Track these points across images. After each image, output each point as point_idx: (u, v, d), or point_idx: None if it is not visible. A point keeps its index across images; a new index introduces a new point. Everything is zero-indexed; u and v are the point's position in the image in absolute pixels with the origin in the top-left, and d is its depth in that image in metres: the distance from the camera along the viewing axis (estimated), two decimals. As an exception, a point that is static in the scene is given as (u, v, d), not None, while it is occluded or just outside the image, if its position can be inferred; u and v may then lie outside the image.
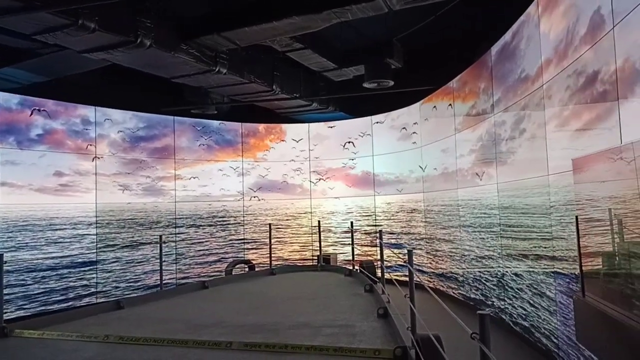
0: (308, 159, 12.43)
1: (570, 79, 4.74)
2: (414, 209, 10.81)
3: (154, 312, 5.67)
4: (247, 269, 10.87)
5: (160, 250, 7.31)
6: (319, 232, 9.02)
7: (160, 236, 7.53)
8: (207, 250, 11.29)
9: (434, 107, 9.89)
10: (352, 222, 8.89)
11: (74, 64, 8.32)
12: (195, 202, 11.26)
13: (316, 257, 10.21)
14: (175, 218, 10.84)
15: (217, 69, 8.12)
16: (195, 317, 5.19)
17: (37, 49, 7.87)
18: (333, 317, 4.93)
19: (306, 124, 12.60)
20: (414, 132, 10.79)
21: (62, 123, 9.32)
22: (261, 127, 12.49)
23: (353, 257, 8.73)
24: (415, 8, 6.34)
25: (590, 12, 4.32)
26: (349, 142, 12.21)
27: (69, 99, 9.41)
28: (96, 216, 9.54)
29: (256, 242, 11.87)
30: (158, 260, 7.38)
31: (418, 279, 3.74)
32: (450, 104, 8.99)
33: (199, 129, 11.51)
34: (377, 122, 11.84)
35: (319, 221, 9.42)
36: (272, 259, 8.92)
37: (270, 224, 9.03)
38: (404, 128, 11.16)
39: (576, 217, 4.59)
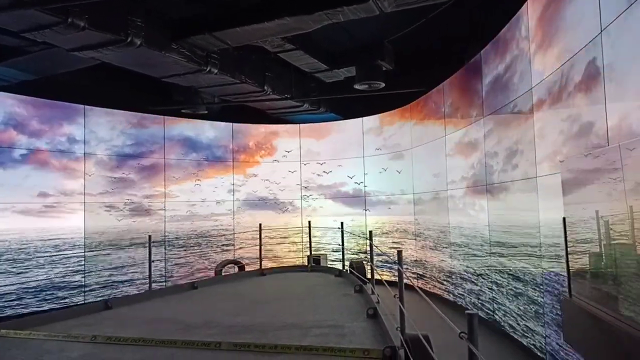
0: (299, 175, 12.32)
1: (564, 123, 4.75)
2: (405, 230, 10.81)
3: (142, 312, 5.62)
4: (237, 270, 10.83)
5: (150, 250, 7.26)
6: (309, 232, 9.02)
7: (150, 236, 7.47)
8: (196, 269, 11.07)
9: (426, 129, 9.94)
10: (342, 223, 8.89)
11: (62, 62, 8.24)
12: (184, 220, 11.04)
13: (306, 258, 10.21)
14: (165, 237, 10.63)
15: (208, 69, 8.09)
16: (184, 318, 5.16)
17: (25, 47, 7.79)
18: (323, 318, 4.93)
19: (297, 140, 12.50)
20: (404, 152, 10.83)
21: (47, 142, 9.08)
22: (251, 142, 12.34)
23: (343, 258, 8.74)
24: (406, 10, 6.37)
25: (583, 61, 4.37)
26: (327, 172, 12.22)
27: (58, 98, 9.32)
28: (84, 237, 9.32)
29: (246, 259, 11.57)
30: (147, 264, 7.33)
31: (407, 280, 3.75)
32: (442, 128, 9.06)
33: (188, 144, 11.32)
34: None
35: (309, 221, 9.41)
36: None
37: (260, 224, 9.00)
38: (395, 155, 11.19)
39: (564, 218, 4.63)
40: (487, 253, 7.13)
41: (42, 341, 4.37)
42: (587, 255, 4.26)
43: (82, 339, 4.34)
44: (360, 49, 9.09)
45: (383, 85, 9.42)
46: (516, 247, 6.19)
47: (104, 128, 9.93)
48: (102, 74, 9.12)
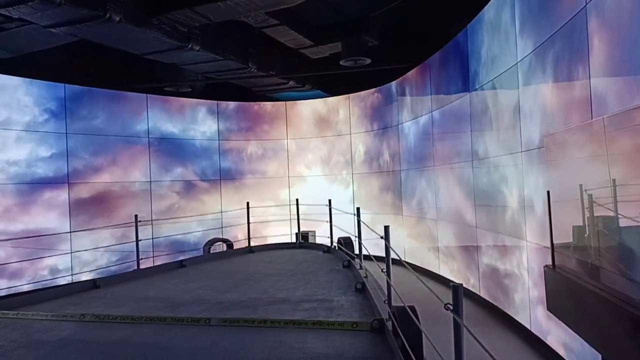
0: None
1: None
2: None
3: (131, 291, 5.62)
4: (225, 247, 10.84)
5: (136, 229, 7.21)
6: (297, 209, 9.02)
7: (136, 215, 7.41)
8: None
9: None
10: (330, 200, 8.89)
11: (39, 39, 8.00)
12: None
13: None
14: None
15: (190, 46, 7.93)
16: (173, 295, 5.18)
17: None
18: (311, 293, 4.98)
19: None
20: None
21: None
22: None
23: (331, 235, 8.78)
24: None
25: None
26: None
27: (36, 76, 9.08)
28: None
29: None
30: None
31: (395, 254, 3.80)
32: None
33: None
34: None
35: (297, 199, 9.41)
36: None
37: (248, 203, 8.98)
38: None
39: (547, 192, 4.70)
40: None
41: (31, 321, 4.36)
42: (571, 227, 4.34)
43: (71, 318, 4.33)
44: (346, 24, 8.97)
45: (369, 61, 9.34)
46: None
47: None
48: (81, 51, 8.88)
